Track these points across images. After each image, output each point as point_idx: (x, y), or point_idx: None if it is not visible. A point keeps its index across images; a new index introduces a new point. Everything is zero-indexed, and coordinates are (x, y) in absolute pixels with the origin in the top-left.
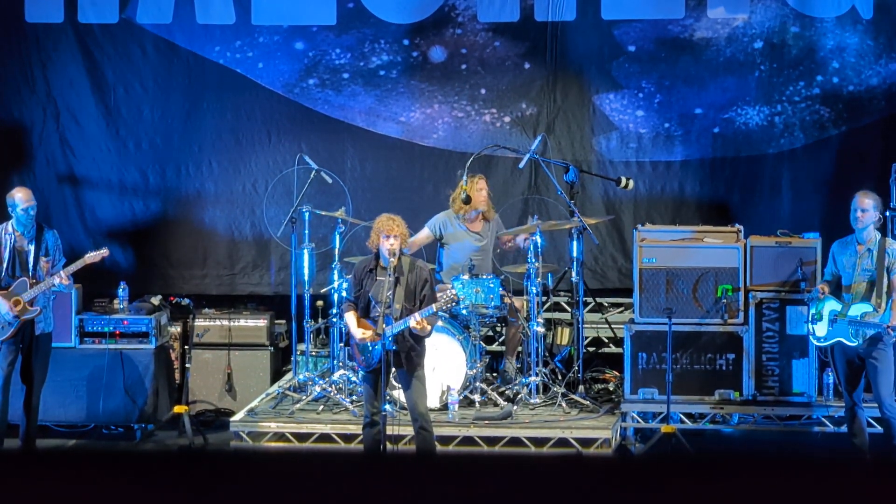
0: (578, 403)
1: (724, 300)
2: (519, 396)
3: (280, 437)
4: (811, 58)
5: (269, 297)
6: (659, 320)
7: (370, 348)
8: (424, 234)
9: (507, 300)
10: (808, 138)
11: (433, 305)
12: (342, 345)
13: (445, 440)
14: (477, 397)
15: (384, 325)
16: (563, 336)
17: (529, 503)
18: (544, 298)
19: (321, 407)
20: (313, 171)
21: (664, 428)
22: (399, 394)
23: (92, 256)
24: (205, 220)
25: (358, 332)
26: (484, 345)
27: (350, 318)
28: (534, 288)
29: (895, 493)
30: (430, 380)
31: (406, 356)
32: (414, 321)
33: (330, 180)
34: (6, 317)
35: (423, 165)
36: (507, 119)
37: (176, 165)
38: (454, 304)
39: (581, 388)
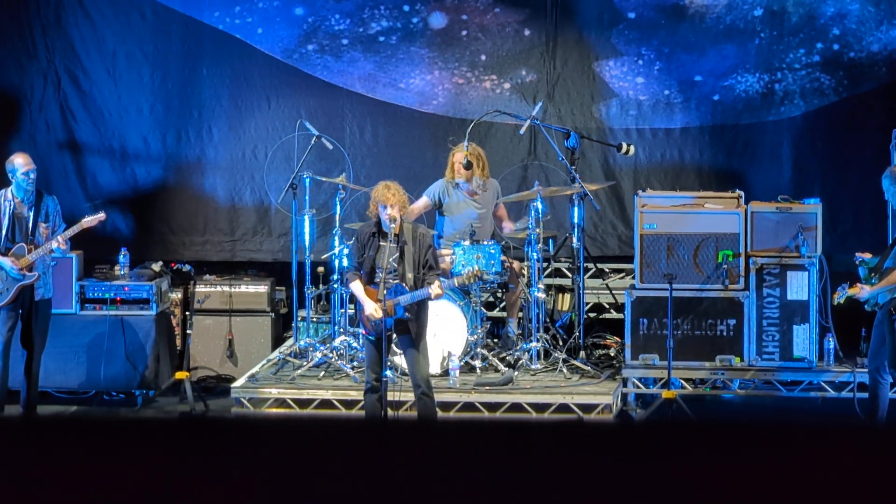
0: (579, 369)
1: (725, 266)
2: (520, 362)
3: (281, 403)
4: (811, 25)
5: (269, 263)
6: (660, 286)
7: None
8: (422, 203)
9: (507, 265)
10: (809, 105)
11: (454, 280)
12: (343, 311)
13: (446, 406)
14: (478, 363)
15: (384, 293)
16: (564, 302)
17: (531, 469)
18: (545, 264)
19: (322, 373)
20: (314, 138)
21: (665, 393)
22: (400, 359)
23: (89, 221)
24: (205, 186)
25: (370, 307)
26: (485, 310)
27: (357, 288)
28: (534, 254)
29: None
30: (430, 346)
31: (410, 322)
32: (435, 292)
33: (330, 146)
34: (12, 272)
35: (422, 131)
36: (507, 86)
37: (176, 131)
38: (477, 279)
39: (582, 353)
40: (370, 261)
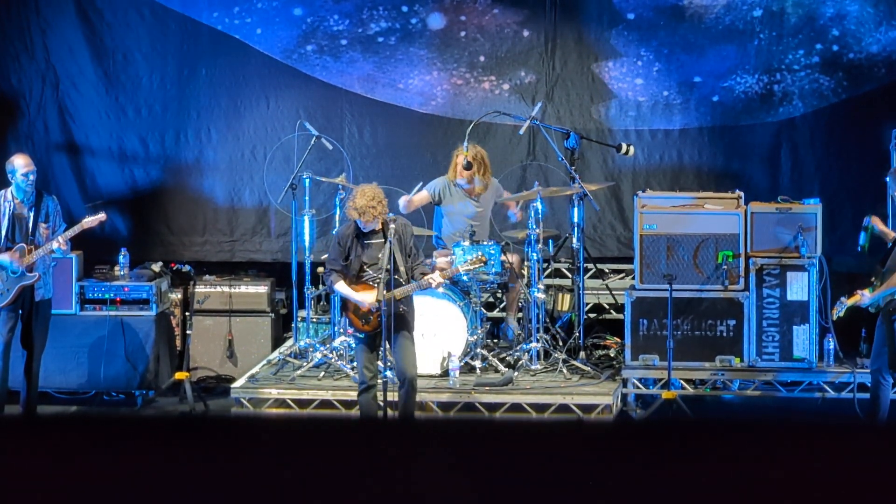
0: (579, 370)
1: (725, 266)
2: (520, 362)
3: (281, 403)
4: (811, 26)
5: (268, 263)
6: (660, 286)
7: (373, 311)
8: (422, 196)
9: (507, 265)
10: (808, 107)
11: (459, 267)
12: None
13: (446, 406)
14: (478, 363)
15: (384, 291)
16: (564, 302)
17: (531, 469)
18: (545, 265)
19: (322, 373)
20: (313, 138)
21: (665, 394)
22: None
23: (89, 221)
24: (204, 187)
25: (368, 297)
26: (485, 311)
27: (344, 287)
28: (534, 254)
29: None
30: (431, 346)
31: (406, 315)
32: (437, 281)
33: (330, 147)
34: (12, 266)
35: (421, 132)
36: (505, 86)
37: (175, 132)
38: (481, 265)
39: (582, 354)
40: (358, 261)
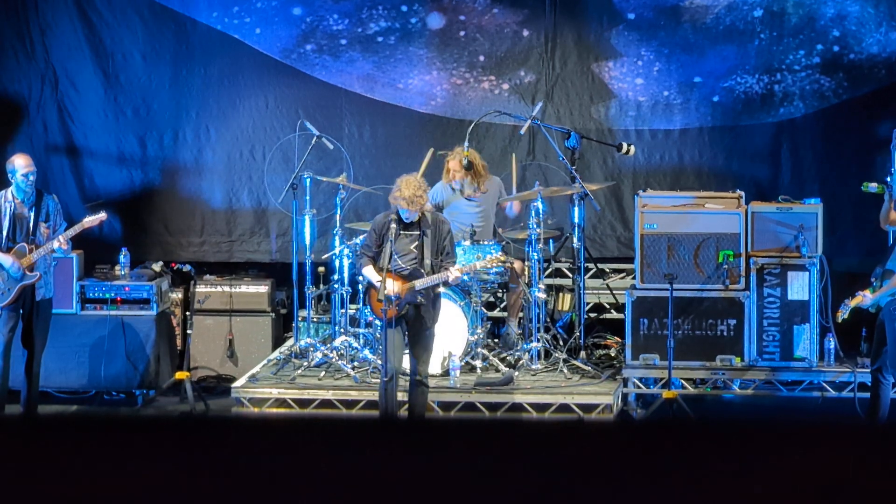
0: (580, 369)
1: (726, 266)
2: (520, 362)
3: (281, 403)
4: (811, 26)
5: (268, 263)
6: (660, 286)
7: (392, 300)
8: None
9: (508, 266)
10: (808, 107)
11: (477, 263)
12: (343, 311)
13: (447, 406)
14: (478, 363)
15: (414, 283)
16: (565, 302)
17: (532, 469)
18: (546, 264)
19: (322, 373)
20: (314, 138)
21: (665, 394)
22: (404, 359)
23: (90, 221)
24: (202, 187)
25: (388, 286)
26: (485, 311)
27: (371, 272)
28: (535, 254)
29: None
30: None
31: (424, 309)
32: (454, 275)
33: (331, 146)
34: (12, 271)
35: (421, 132)
36: (505, 86)
37: (174, 132)
38: (499, 263)
39: (582, 353)
40: (388, 250)
